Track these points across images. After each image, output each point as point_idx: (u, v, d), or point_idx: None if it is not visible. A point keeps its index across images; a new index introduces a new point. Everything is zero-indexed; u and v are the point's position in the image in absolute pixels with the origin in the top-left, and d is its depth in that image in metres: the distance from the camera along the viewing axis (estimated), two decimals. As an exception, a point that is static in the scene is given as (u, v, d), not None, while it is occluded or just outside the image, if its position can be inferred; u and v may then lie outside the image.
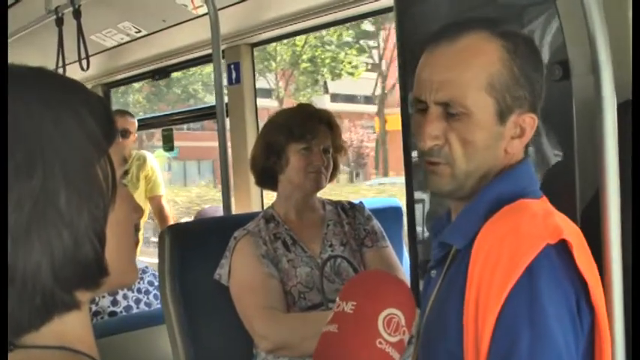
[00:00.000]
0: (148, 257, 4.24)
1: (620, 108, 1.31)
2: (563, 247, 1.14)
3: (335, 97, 16.15)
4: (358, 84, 15.24)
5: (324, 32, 11.91)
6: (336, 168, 2.31)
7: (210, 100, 12.54)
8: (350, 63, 13.94)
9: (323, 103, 13.84)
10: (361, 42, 14.16)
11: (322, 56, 13.89)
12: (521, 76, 1.21)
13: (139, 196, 4.15)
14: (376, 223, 2.36)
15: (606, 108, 1.29)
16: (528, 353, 1.08)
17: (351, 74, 14.07)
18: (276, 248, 2.18)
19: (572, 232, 1.19)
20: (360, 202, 2.44)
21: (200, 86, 15.40)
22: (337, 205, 2.37)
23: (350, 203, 2.41)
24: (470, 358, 1.14)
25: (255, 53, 3.52)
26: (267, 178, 2.29)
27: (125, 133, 4.08)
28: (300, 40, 12.66)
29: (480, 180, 1.25)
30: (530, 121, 1.24)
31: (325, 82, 15.31)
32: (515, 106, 1.22)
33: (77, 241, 0.74)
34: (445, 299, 1.25)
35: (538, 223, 1.16)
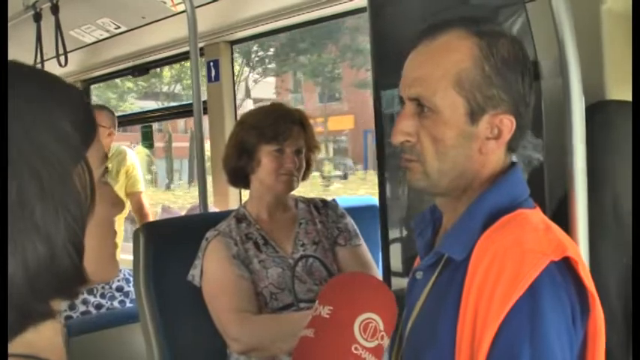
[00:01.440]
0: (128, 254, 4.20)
1: (589, 110, 1.32)
2: (565, 264, 1.13)
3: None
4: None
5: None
6: (308, 167, 2.29)
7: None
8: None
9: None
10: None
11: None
12: (495, 75, 1.19)
13: (119, 191, 4.11)
14: (349, 221, 2.34)
15: (575, 110, 1.30)
16: None
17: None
18: (248, 249, 2.17)
19: (571, 246, 1.17)
20: (333, 200, 2.43)
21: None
22: (310, 203, 2.36)
23: (323, 201, 2.39)
24: None
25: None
26: (239, 177, 2.28)
27: (102, 129, 4.04)
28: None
29: (456, 179, 1.24)
30: (507, 123, 1.21)
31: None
32: (488, 105, 1.19)
33: (54, 252, 0.72)
34: (436, 307, 1.22)
35: (541, 238, 1.15)
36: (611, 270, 1.43)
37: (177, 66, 12.45)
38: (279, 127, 2.16)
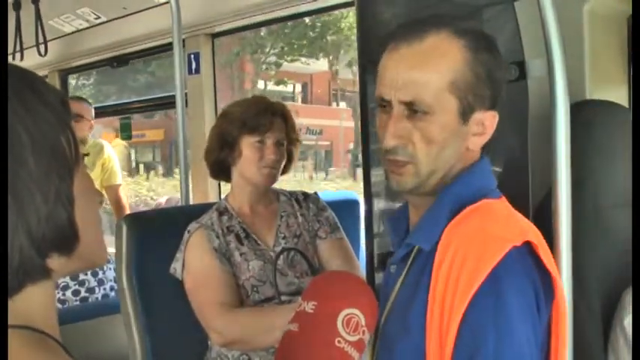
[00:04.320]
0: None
1: (571, 109, 1.35)
2: (526, 249, 1.16)
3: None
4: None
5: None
6: (290, 161, 2.30)
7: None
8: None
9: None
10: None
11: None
12: (486, 75, 1.22)
13: (95, 183, 4.09)
14: (330, 214, 2.35)
15: (559, 108, 1.33)
16: (494, 354, 1.10)
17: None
18: (229, 242, 2.17)
19: (532, 231, 1.21)
20: (315, 193, 2.44)
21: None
22: (291, 195, 2.36)
23: (304, 194, 2.40)
24: (432, 357, 1.15)
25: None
26: (220, 170, 2.28)
27: (76, 118, 4.03)
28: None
29: (444, 177, 1.27)
30: (491, 119, 1.25)
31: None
32: (477, 104, 1.23)
33: (48, 201, 0.78)
34: (408, 298, 1.25)
35: (503, 224, 1.18)
36: (590, 264, 1.47)
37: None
38: (261, 119, 2.17)
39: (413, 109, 1.22)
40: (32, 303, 0.81)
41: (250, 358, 2.11)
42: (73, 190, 0.82)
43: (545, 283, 1.18)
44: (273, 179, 2.24)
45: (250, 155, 2.18)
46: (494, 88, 1.23)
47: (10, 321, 0.78)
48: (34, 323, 0.80)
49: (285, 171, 2.30)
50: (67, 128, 0.83)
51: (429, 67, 1.21)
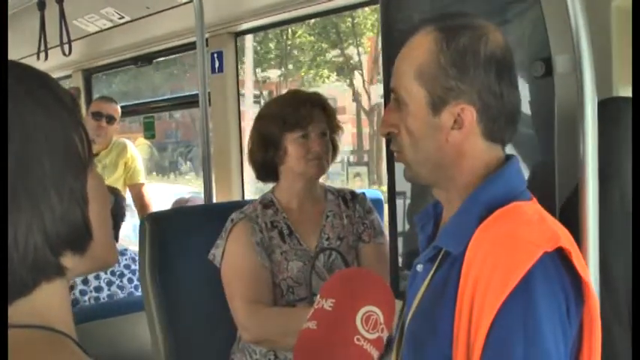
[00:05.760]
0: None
1: (600, 106, 1.33)
2: (558, 254, 1.14)
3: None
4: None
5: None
6: (335, 149, 2.28)
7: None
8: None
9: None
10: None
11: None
12: (451, 67, 1.22)
13: (117, 182, 4.13)
14: (376, 217, 2.32)
15: (587, 105, 1.31)
16: None
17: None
18: (272, 237, 2.16)
19: (565, 236, 1.19)
20: (363, 194, 2.40)
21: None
22: (339, 194, 2.33)
23: (352, 193, 2.36)
24: None
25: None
26: (267, 171, 2.26)
27: (110, 119, 4.07)
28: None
29: (433, 169, 1.29)
30: (467, 113, 1.23)
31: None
32: (448, 97, 1.23)
33: (63, 200, 0.78)
34: (436, 300, 1.24)
35: (534, 229, 1.16)
36: (618, 265, 1.45)
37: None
38: (301, 113, 2.15)
39: (397, 100, 1.28)
40: (47, 302, 0.81)
41: (276, 354, 2.11)
42: (86, 189, 0.83)
43: (576, 288, 1.16)
44: (323, 170, 2.24)
45: (296, 151, 2.17)
46: (470, 83, 1.22)
47: (27, 320, 0.78)
48: (50, 322, 0.80)
49: (332, 160, 2.28)
50: (80, 127, 0.84)
51: (402, 59, 1.29)
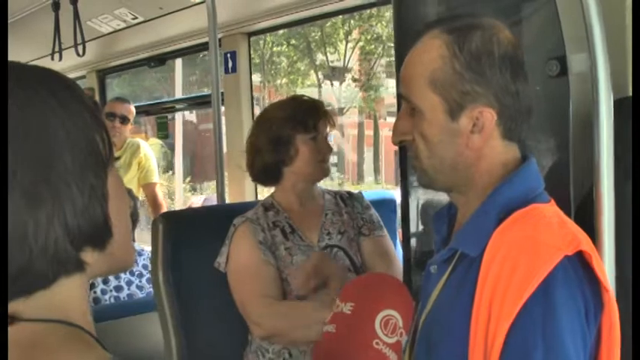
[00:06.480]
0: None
1: (616, 105, 1.31)
2: (578, 257, 1.13)
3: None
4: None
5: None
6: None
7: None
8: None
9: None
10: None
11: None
12: (467, 70, 1.20)
13: (131, 182, 4.15)
14: (374, 213, 2.38)
15: (602, 105, 1.29)
16: None
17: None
18: (275, 235, 2.20)
19: (585, 240, 1.17)
20: (359, 192, 2.47)
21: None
22: (336, 194, 2.40)
23: (349, 193, 2.44)
24: None
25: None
26: (269, 173, 2.28)
27: (124, 120, 4.09)
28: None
29: (451, 175, 1.27)
30: (487, 116, 1.21)
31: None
32: (466, 101, 1.21)
33: (84, 195, 0.79)
34: (450, 301, 1.23)
35: (555, 232, 1.14)
36: (633, 264, 1.43)
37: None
38: (312, 116, 2.22)
39: (411, 106, 1.26)
40: (67, 296, 0.82)
41: (291, 353, 2.11)
42: (107, 187, 0.83)
43: (596, 293, 1.14)
44: (328, 172, 2.31)
45: (308, 152, 2.21)
46: (487, 84, 1.20)
47: (46, 314, 0.79)
48: (69, 317, 0.81)
49: None
50: (102, 128, 0.85)
51: (412, 65, 1.26)
